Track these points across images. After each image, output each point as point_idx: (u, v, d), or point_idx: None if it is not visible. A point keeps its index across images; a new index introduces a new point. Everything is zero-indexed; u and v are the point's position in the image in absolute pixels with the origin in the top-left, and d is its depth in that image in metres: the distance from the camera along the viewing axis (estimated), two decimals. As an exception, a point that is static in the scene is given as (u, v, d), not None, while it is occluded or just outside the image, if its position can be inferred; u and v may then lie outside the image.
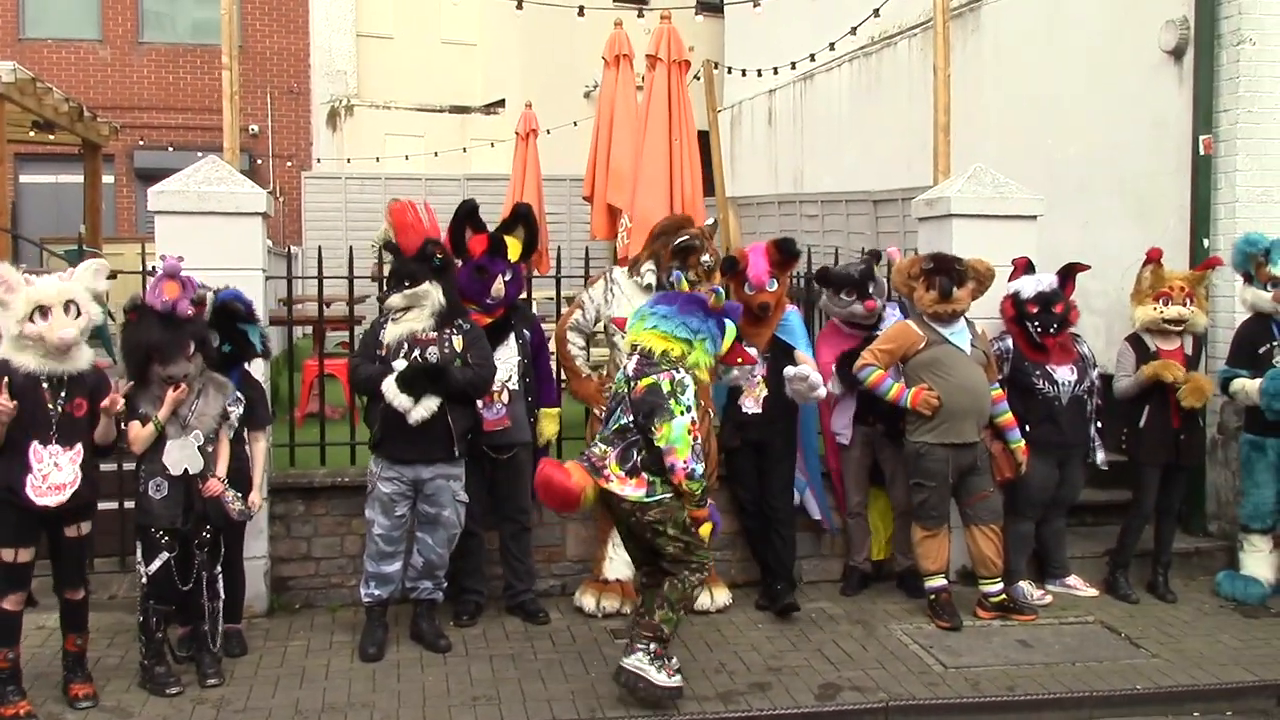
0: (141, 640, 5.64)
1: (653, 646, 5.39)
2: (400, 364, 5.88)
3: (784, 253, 6.77)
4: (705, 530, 5.41)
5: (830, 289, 7.13)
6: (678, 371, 5.34)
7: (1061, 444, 6.93)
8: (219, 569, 5.73)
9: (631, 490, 5.34)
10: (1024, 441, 6.79)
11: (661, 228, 6.75)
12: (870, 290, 6.97)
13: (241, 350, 5.95)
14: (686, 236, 6.52)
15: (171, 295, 5.38)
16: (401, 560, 6.18)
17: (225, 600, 5.99)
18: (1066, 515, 7.31)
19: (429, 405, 5.86)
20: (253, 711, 5.40)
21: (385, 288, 6.20)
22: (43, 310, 5.15)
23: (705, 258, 6.51)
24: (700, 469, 5.30)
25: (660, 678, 5.38)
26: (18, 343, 5.18)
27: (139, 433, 5.39)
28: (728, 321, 5.54)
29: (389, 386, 5.82)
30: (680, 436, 5.22)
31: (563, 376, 7.00)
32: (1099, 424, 7.09)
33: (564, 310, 7.41)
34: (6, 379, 5.11)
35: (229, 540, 5.97)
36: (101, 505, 5.70)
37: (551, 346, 6.91)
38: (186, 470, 5.44)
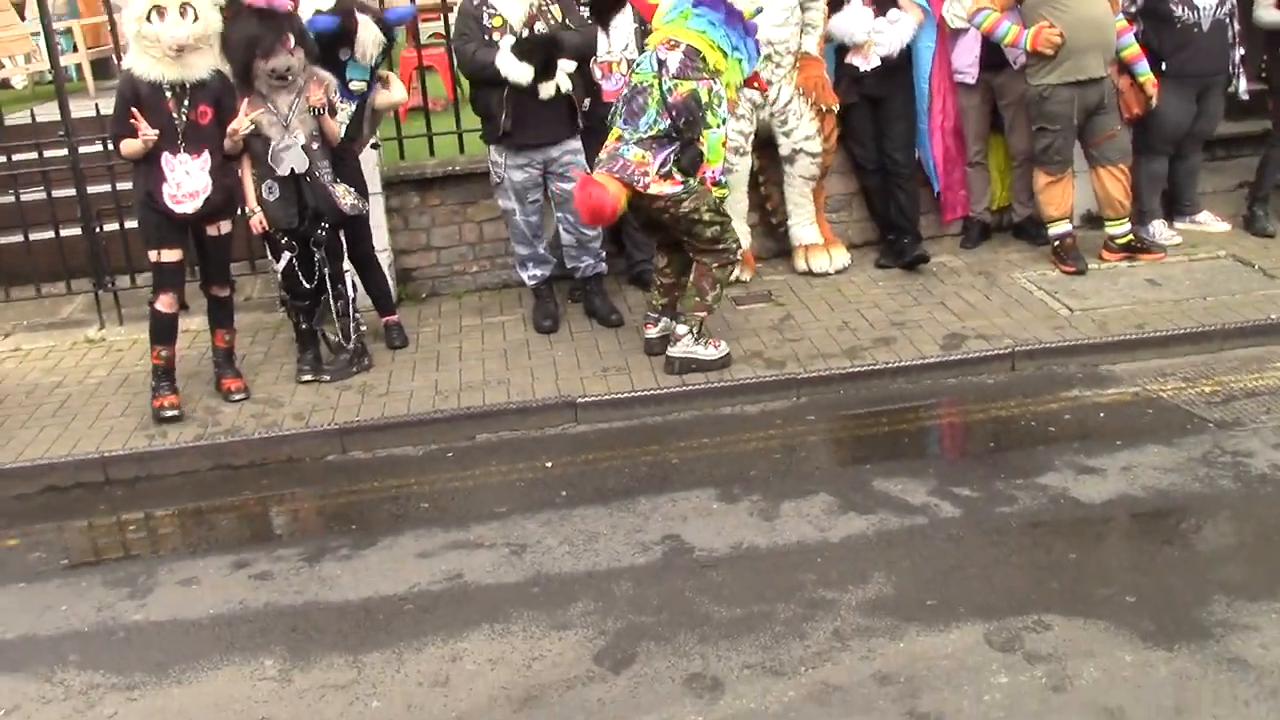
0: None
1: (699, 330, 5.58)
2: (507, 39, 5.73)
3: None
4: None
5: None
6: (715, 82, 5.34)
7: (1202, 73, 6.55)
8: (344, 265, 5.87)
9: (669, 189, 5.39)
10: (1156, 75, 6.44)
11: None
12: None
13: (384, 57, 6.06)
14: None
15: None
16: (545, 239, 6.29)
17: (375, 293, 6.26)
18: (1202, 150, 7.02)
19: (559, 77, 5.75)
20: (394, 394, 5.65)
21: None
22: (159, 10, 5.13)
23: None
24: (726, 176, 5.43)
25: (709, 352, 5.62)
26: (139, 43, 5.21)
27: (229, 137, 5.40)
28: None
29: (506, 60, 5.68)
30: (714, 148, 5.38)
31: None
32: (1241, 51, 6.67)
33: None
34: (138, 112, 5.19)
35: (356, 236, 6.09)
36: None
37: None
38: (293, 170, 5.48)
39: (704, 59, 5.33)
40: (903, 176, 6.78)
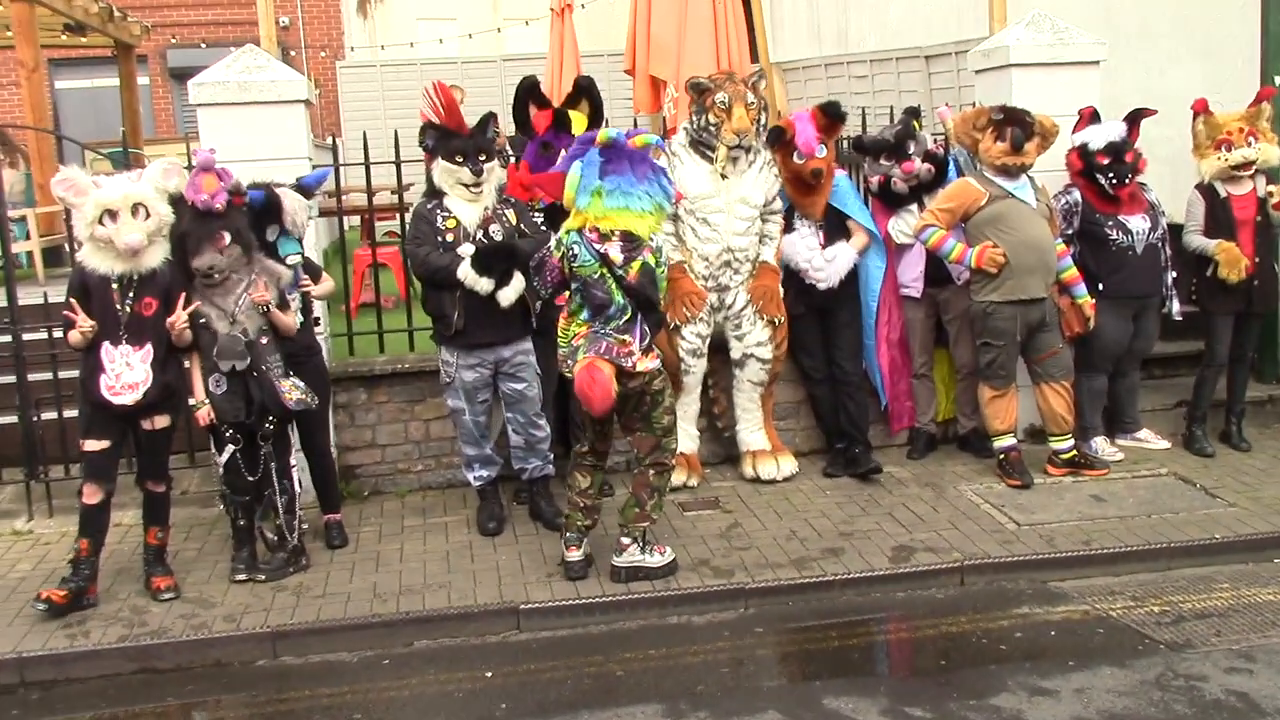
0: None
1: (643, 538, 5.52)
2: (467, 248, 5.80)
3: (830, 116, 6.59)
4: None
5: (869, 156, 6.94)
6: (652, 242, 5.39)
7: (1137, 295, 6.75)
8: (291, 460, 5.77)
9: (649, 364, 5.40)
10: (1094, 296, 6.63)
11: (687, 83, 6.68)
12: (910, 151, 6.76)
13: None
14: (698, 78, 6.56)
15: (210, 189, 5.33)
16: (492, 439, 6.25)
17: (322, 489, 6.15)
18: (1140, 368, 7.17)
19: (517, 286, 5.80)
20: (331, 597, 5.47)
21: (433, 168, 6.05)
22: (111, 214, 5.17)
23: (720, 96, 6.35)
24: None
25: (656, 560, 5.53)
26: (93, 244, 5.24)
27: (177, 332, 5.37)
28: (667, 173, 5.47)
29: (467, 272, 5.73)
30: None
31: None
32: (1174, 274, 6.90)
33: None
34: (77, 302, 5.22)
35: (311, 431, 6.03)
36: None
37: None
38: (235, 366, 5.43)
39: (625, 238, 5.30)
40: (852, 385, 6.85)
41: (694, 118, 6.50)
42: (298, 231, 5.79)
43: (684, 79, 7.69)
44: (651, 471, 5.53)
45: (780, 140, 6.62)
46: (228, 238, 5.37)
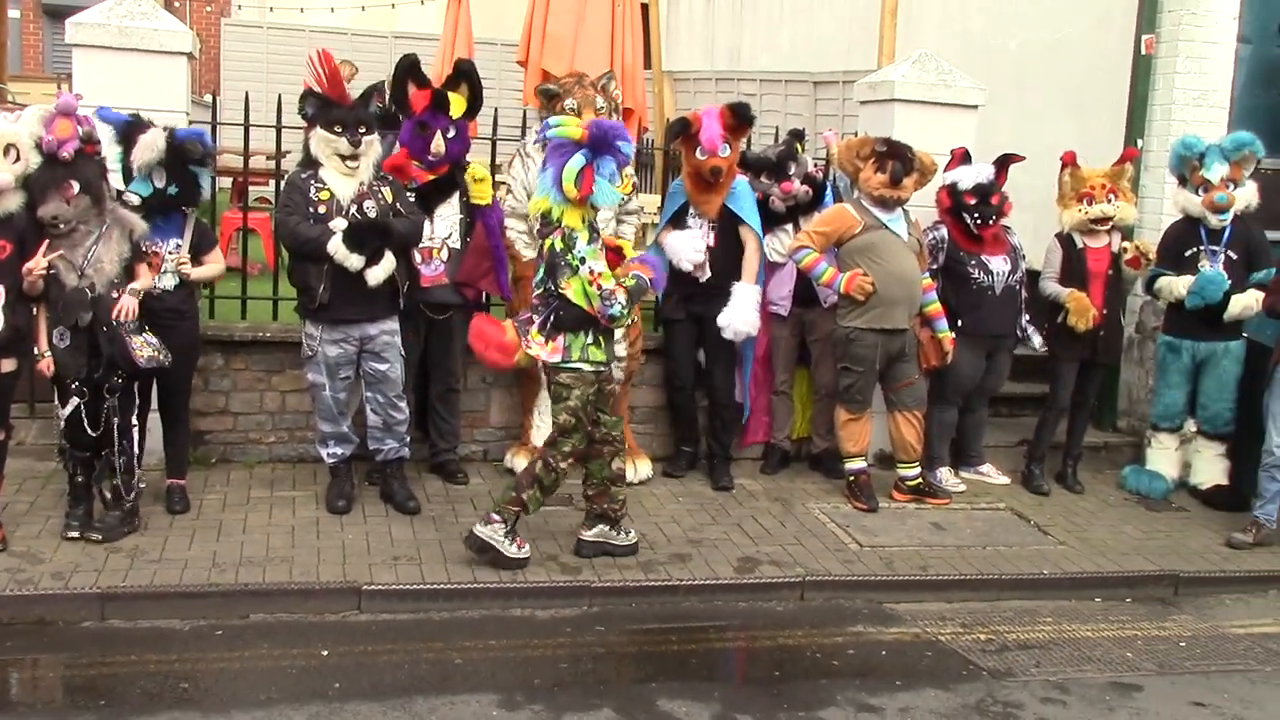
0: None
1: (513, 524, 5.51)
2: (340, 222, 5.71)
3: (739, 117, 6.66)
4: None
5: (750, 172, 7.04)
6: (568, 231, 5.43)
7: (993, 333, 7.01)
8: (133, 420, 5.59)
9: (547, 355, 5.43)
10: (952, 331, 6.86)
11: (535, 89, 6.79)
12: (790, 171, 6.90)
13: (186, 195, 5.72)
14: (547, 84, 6.71)
15: (63, 135, 5.18)
16: (350, 417, 6.16)
17: (169, 455, 5.99)
18: (988, 405, 7.44)
19: (387, 265, 5.73)
20: (168, 562, 5.33)
21: (310, 137, 5.94)
22: None
23: (569, 102, 6.49)
24: (617, 308, 5.39)
25: (511, 550, 5.52)
26: None
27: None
28: (569, 162, 5.31)
29: (337, 247, 5.64)
30: (585, 290, 5.38)
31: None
32: (1029, 315, 7.17)
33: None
34: None
35: (173, 390, 5.88)
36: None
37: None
38: (77, 321, 5.25)
39: (547, 214, 5.44)
40: (719, 395, 6.94)
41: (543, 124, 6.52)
42: (136, 164, 5.49)
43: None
44: (539, 464, 5.53)
45: (685, 133, 6.67)
46: (76, 187, 5.20)
